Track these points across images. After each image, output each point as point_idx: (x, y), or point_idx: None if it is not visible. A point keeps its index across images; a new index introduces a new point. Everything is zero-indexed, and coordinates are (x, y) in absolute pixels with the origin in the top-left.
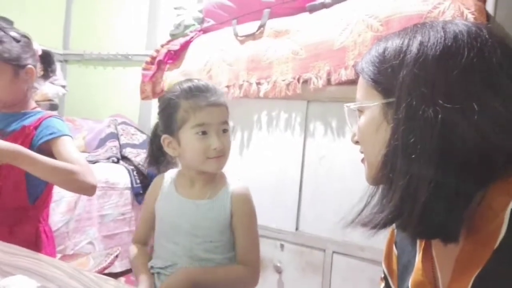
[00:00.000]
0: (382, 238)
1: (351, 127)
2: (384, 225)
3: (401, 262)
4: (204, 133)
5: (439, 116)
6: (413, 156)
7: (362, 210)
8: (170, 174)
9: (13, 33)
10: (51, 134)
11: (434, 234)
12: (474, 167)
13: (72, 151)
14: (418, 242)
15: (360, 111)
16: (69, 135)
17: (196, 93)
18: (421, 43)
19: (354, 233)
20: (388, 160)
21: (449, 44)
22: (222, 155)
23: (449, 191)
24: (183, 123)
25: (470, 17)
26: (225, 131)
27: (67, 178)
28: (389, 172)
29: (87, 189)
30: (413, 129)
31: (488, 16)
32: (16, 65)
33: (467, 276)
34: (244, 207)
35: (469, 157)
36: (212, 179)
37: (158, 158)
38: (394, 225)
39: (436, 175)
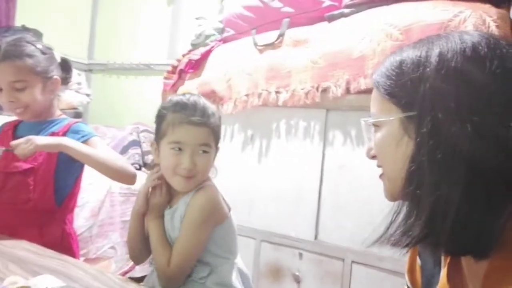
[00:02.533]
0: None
1: (368, 142)
2: (414, 244)
3: (425, 274)
4: (179, 149)
5: (467, 130)
6: (441, 172)
7: (388, 229)
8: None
9: (39, 46)
10: (82, 137)
11: (466, 250)
12: (503, 181)
13: (105, 148)
14: (442, 256)
15: (377, 125)
16: (98, 136)
17: (180, 109)
18: (440, 55)
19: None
20: (414, 177)
21: (469, 55)
22: (191, 175)
23: (479, 207)
24: (163, 136)
25: (493, 25)
26: (204, 152)
27: (112, 168)
28: (416, 188)
29: (129, 177)
30: (439, 144)
31: None
32: (45, 77)
33: None
34: (191, 206)
35: (498, 171)
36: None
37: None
38: None
39: (466, 191)
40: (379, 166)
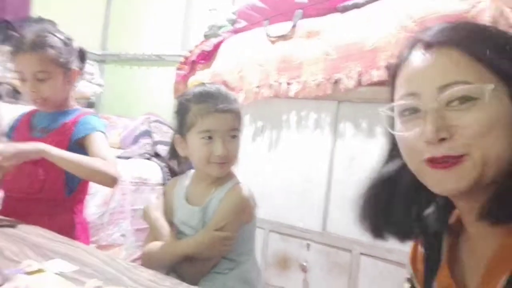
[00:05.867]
0: (410, 241)
1: (433, 122)
2: None
3: (427, 263)
4: (209, 138)
5: None
6: None
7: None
8: (184, 179)
9: (62, 37)
10: (86, 130)
11: None
12: None
13: (100, 145)
14: (444, 243)
15: (468, 98)
16: (101, 131)
17: (206, 98)
18: None
19: None
20: None
21: None
22: (225, 161)
23: None
24: (191, 127)
25: None
26: (233, 137)
27: (89, 172)
28: None
29: (108, 181)
30: None
31: None
32: (66, 68)
33: (498, 277)
34: (225, 202)
35: None
36: (218, 179)
37: (176, 154)
38: None
39: None
40: (453, 157)
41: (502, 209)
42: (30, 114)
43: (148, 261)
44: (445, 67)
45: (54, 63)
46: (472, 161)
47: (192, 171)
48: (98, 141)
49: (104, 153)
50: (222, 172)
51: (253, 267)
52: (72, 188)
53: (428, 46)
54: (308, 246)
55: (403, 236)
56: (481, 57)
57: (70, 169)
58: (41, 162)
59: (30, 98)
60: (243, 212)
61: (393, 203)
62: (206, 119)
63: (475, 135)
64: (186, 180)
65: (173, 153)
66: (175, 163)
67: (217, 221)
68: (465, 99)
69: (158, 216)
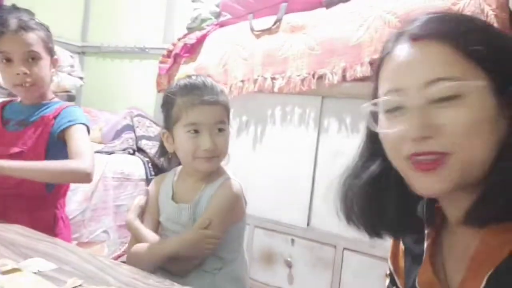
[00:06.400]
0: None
1: (418, 120)
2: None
3: (408, 259)
4: (196, 131)
5: None
6: None
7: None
8: (170, 175)
9: (42, 24)
10: (68, 122)
11: None
12: None
13: (78, 138)
14: (425, 239)
15: (452, 96)
16: (84, 124)
17: (191, 90)
18: None
19: None
20: (506, 162)
21: None
22: (213, 155)
23: None
24: (176, 121)
25: (491, 14)
26: (221, 130)
27: (58, 175)
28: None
29: (80, 178)
30: None
31: (511, 13)
32: (50, 54)
33: (481, 273)
34: (216, 198)
35: None
36: (207, 175)
37: (166, 150)
38: None
39: None
40: (438, 153)
41: (488, 213)
42: (1, 106)
43: (135, 262)
44: (431, 62)
45: (42, 45)
46: (456, 161)
47: (180, 167)
48: (77, 134)
49: (80, 146)
50: (209, 167)
51: (241, 265)
52: (52, 184)
53: (414, 39)
54: (292, 241)
55: (400, 232)
56: (468, 52)
57: (36, 178)
58: (19, 156)
59: (15, 82)
60: (233, 210)
61: (386, 202)
62: (191, 111)
63: (460, 134)
64: (173, 176)
65: (163, 150)
66: (165, 161)
67: (207, 218)
68: (450, 97)
69: (138, 225)
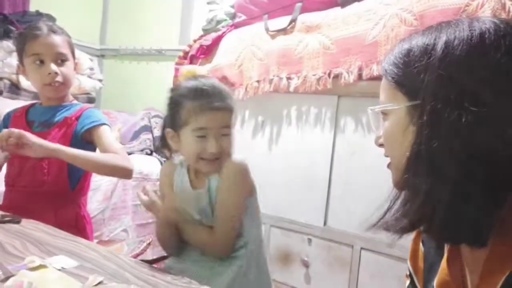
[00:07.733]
0: (411, 236)
1: (375, 130)
2: (406, 230)
3: (428, 261)
4: (202, 136)
5: (464, 119)
6: (436, 161)
7: (385, 214)
8: (177, 164)
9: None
10: (92, 122)
11: (460, 239)
12: (502, 170)
13: (110, 138)
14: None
15: (385, 114)
16: (107, 125)
17: (200, 95)
18: (446, 43)
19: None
20: (411, 164)
21: (475, 43)
22: (217, 158)
23: (475, 196)
24: (185, 124)
25: None
26: (226, 134)
27: (104, 166)
28: (412, 176)
29: (124, 173)
30: (437, 133)
31: None
32: (74, 57)
33: (496, 278)
34: (226, 171)
35: (496, 161)
36: None
37: (167, 143)
38: None
39: (460, 180)
40: (386, 155)
41: (449, 234)
42: (25, 110)
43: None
44: (381, 90)
45: (68, 48)
46: (392, 165)
47: (181, 157)
48: (106, 134)
49: (113, 145)
50: (213, 169)
51: (261, 246)
52: (76, 181)
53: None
54: (309, 241)
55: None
56: (394, 82)
57: (85, 167)
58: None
59: (46, 81)
60: (245, 179)
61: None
62: (200, 117)
63: (385, 143)
64: (181, 167)
65: (164, 144)
66: (164, 153)
67: (224, 190)
68: (383, 114)
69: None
